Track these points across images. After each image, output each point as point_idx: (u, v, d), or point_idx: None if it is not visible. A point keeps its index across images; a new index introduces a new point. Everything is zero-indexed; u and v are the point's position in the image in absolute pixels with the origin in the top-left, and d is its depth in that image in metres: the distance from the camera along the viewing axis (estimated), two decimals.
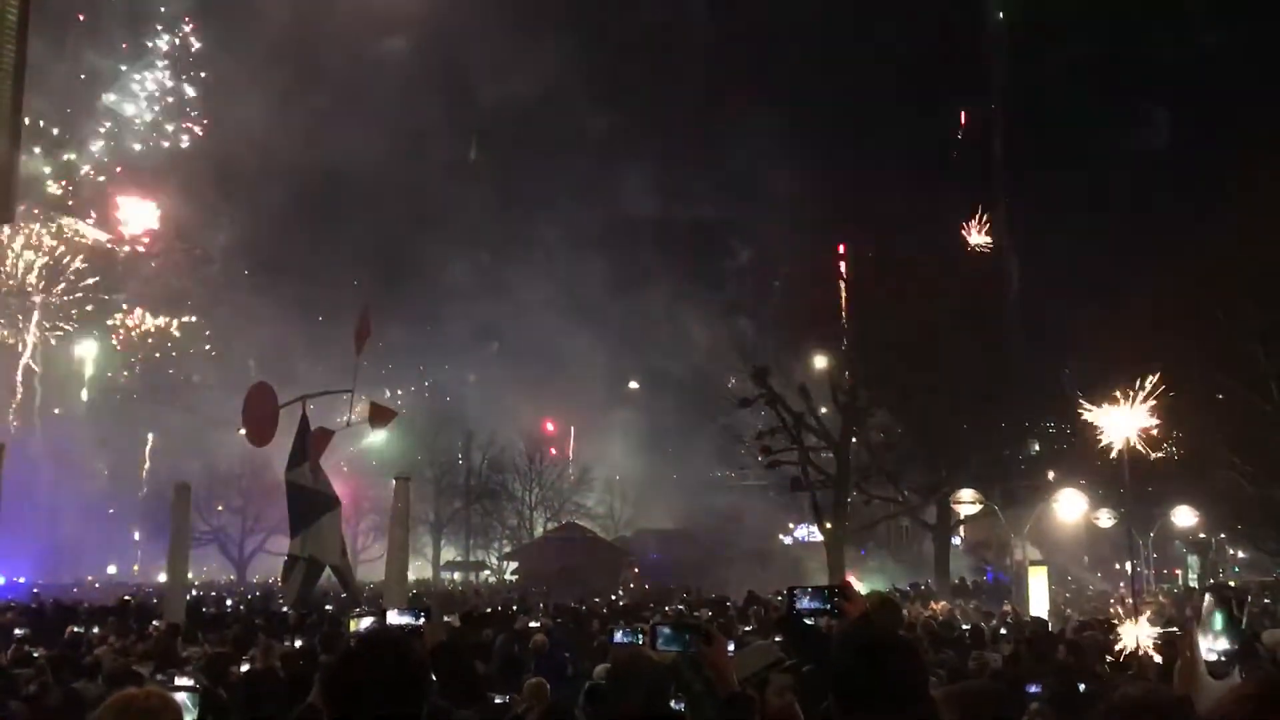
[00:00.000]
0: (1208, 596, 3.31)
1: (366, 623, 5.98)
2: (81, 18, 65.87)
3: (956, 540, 42.76)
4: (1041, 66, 67.07)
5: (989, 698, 4.16)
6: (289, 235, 68.99)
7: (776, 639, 5.22)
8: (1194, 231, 29.39)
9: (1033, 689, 8.70)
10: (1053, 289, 61.35)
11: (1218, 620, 3.25)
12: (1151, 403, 26.65)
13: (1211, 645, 3.18)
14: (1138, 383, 26.07)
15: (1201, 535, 49.06)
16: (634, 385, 75.57)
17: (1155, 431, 27.03)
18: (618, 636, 9.23)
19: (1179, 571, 54.30)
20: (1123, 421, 27.24)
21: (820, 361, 38.62)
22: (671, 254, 74.50)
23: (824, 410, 37.27)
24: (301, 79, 66.74)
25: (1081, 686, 9.61)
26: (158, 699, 3.42)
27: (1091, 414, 27.39)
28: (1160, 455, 33.83)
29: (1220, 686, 3.21)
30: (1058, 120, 73.35)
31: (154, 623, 16.32)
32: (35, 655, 12.11)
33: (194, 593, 36.15)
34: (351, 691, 3.03)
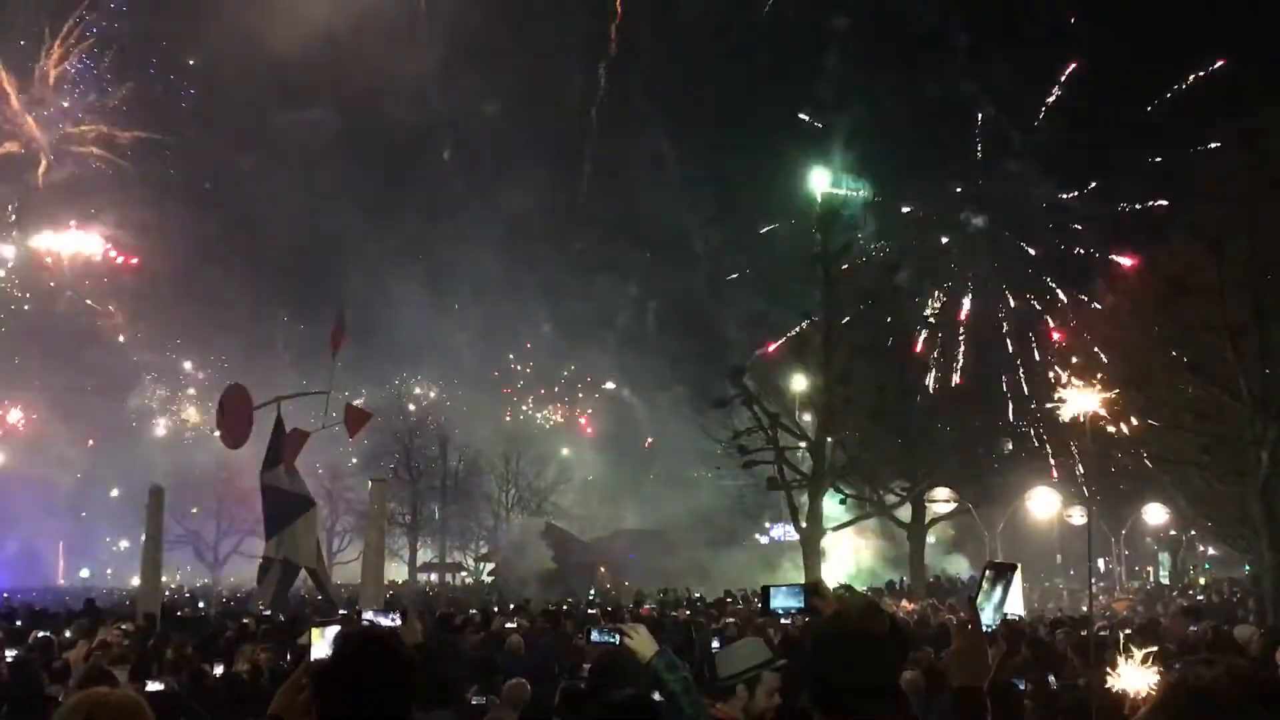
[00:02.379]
0: (985, 571, 3.42)
1: (331, 630, 5.84)
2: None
3: (931, 539, 43.00)
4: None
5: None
6: (259, 235, 68.77)
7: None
8: (1162, 231, 29.65)
9: (1020, 685, 8.91)
10: (1022, 290, 61.75)
11: (995, 594, 3.35)
12: (1108, 394, 27.14)
13: (989, 619, 3.29)
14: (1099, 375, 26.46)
15: (1173, 532, 49.58)
16: (610, 385, 75.54)
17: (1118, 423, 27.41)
18: (595, 636, 9.33)
19: (1150, 569, 54.83)
20: (1085, 398, 27.61)
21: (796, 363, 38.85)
22: (648, 253, 74.61)
23: (800, 410, 37.55)
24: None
25: (1052, 680, 9.79)
26: (127, 699, 3.37)
27: (1061, 392, 27.80)
28: (1131, 453, 34.35)
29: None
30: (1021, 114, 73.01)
31: (122, 625, 16.16)
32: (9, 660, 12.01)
33: (168, 595, 35.95)
34: (342, 691, 3.06)
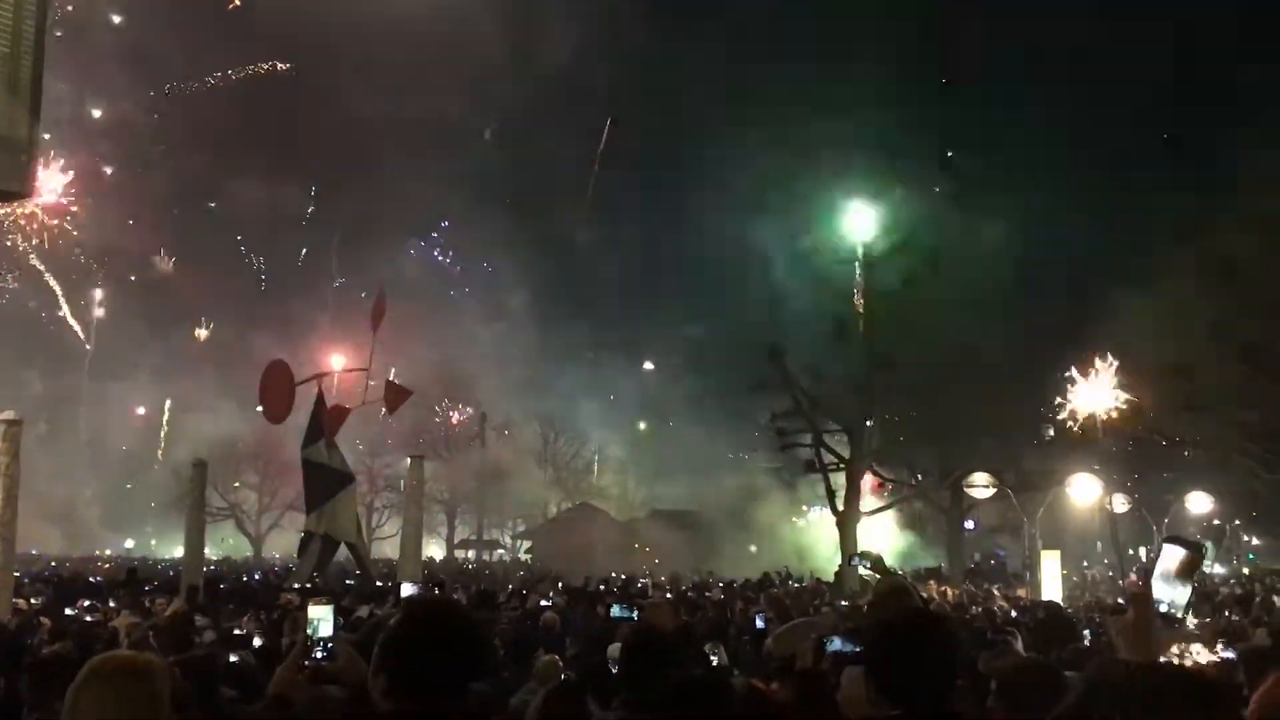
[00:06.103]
0: (1165, 546, 3.19)
1: (322, 609, 5.40)
2: None
3: (969, 524, 42.64)
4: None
5: (1033, 675, 4.22)
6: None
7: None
8: (1210, 217, 29.12)
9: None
10: (1068, 272, 60.22)
11: (1176, 570, 3.13)
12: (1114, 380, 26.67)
13: (1167, 596, 3.07)
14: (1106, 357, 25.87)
15: (1216, 522, 48.87)
16: (649, 366, 75.40)
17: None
18: (615, 611, 9.56)
19: None
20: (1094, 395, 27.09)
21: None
22: (690, 236, 74.50)
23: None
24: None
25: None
26: (131, 661, 3.40)
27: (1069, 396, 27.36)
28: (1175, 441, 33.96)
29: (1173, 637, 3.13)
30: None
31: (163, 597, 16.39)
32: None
33: (210, 568, 36.45)
34: (420, 659, 2.94)
